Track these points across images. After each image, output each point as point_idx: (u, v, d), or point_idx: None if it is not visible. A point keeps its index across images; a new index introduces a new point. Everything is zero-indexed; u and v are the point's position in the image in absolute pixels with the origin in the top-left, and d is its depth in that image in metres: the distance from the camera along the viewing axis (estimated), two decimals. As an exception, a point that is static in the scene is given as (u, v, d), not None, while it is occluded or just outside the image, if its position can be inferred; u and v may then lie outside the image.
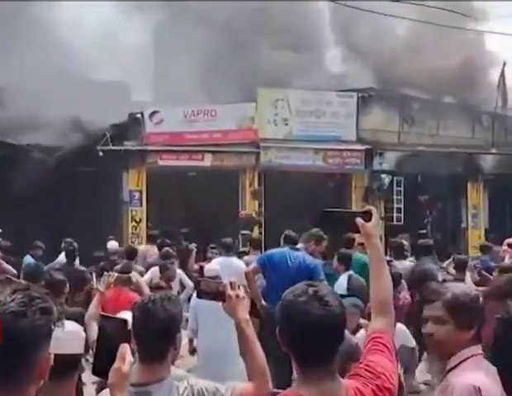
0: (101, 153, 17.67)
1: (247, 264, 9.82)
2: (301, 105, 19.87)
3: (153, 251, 12.55)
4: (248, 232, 16.96)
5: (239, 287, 3.08)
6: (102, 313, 2.82)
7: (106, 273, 6.34)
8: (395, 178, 20.14)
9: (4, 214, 14.91)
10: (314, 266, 7.99)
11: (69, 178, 16.96)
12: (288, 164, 19.20)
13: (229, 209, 19.08)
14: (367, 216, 2.82)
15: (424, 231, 18.70)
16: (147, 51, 26.59)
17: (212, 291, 3.09)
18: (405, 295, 8.47)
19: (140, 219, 18.48)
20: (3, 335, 1.87)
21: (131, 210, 18.50)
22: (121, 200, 18.64)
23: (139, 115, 18.97)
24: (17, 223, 14.94)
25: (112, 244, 13.66)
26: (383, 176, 20.02)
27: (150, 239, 14.12)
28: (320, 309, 2.35)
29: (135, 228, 18.39)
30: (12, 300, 1.93)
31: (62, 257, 11.31)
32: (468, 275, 9.93)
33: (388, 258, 10.06)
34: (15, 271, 10.58)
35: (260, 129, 19.38)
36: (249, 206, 19.20)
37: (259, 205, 19.19)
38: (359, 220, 2.80)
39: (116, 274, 6.54)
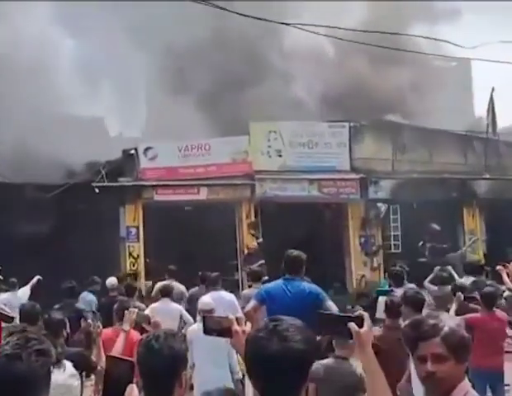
0: (97, 190, 17.68)
1: (247, 298, 9.75)
2: (294, 136, 19.97)
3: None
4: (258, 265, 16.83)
5: (245, 323, 3.09)
6: (109, 354, 2.80)
7: (127, 311, 6.12)
8: (391, 206, 20.21)
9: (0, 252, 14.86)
10: (316, 291, 7.86)
11: (66, 216, 16.94)
12: (283, 195, 19.24)
13: (227, 241, 19.06)
14: (359, 321, 2.77)
15: (424, 259, 18.76)
16: (139, 88, 26.69)
17: (219, 328, 3.09)
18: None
19: (138, 255, 18.42)
20: None
21: (129, 246, 18.44)
22: (118, 236, 18.59)
23: (133, 152, 19.01)
24: (14, 261, 14.83)
25: (111, 280, 13.60)
26: (379, 204, 20.10)
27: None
28: (278, 344, 2.31)
29: (133, 264, 18.32)
30: (7, 343, 1.92)
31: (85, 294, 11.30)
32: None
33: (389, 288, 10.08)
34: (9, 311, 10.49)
35: (254, 161, 19.45)
36: (247, 238, 19.20)
37: (256, 237, 19.18)
38: (353, 326, 2.74)
39: (136, 310, 6.30)
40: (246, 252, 18.89)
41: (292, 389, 2.34)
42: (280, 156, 19.74)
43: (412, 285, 11.27)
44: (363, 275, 19.91)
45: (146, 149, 18.93)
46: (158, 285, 12.23)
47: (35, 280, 13.22)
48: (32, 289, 12.73)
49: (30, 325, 6.78)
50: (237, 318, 3.09)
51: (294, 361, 2.31)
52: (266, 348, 2.31)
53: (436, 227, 20.09)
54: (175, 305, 10.80)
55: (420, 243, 20.26)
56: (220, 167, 19.21)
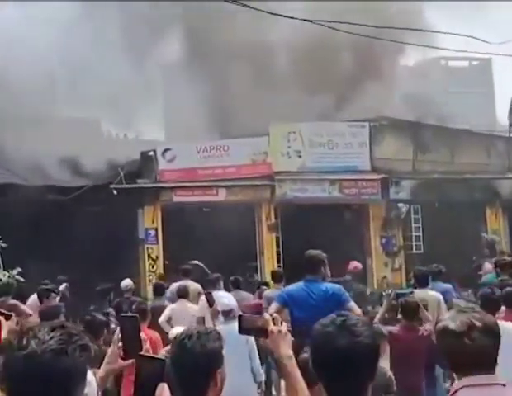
0: (115, 192, 17.61)
1: (269, 299, 9.62)
2: (314, 136, 19.80)
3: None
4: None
5: (281, 323, 3.04)
6: (140, 353, 2.74)
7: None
8: (412, 206, 19.99)
9: (20, 254, 14.87)
10: (339, 291, 7.70)
11: (84, 218, 16.87)
12: (304, 196, 19.07)
13: (247, 243, 18.93)
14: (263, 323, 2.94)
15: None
16: (158, 88, 26.71)
17: (254, 327, 3.06)
18: (428, 328, 7.83)
19: (157, 257, 18.32)
20: (44, 374, 1.82)
21: (147, 248, 18.35)
22: (137, 237, 18.50)
23: (151, 153, 18.95)
24: (34, 262, 14.82)
25: (126, 282, 13.55)
26: (400, 205, 19.90)
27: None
28: (348, 339, 2.32)
29: (152, 266, 18.21)
30: (51, 338, 1.87)
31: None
32: None
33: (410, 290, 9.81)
34: (30, 312, 10.44)
35: (274, 162, 19.29)
36: (266, 240, 19.04)
37: (277, 239, 19.03)
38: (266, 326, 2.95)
39: None
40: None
41: (361, 384, 2.37)
42: (300, 156, 19.57)
43: (448, 286, 10.98)
44: (385, 276, 19.69)
45: (164, 151, 18.84)
46: (174, 286, 12.07)
47: (64, 286, 13.28)
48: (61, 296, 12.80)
49: None
50: (273, 318, 3.04)
51: (363, 356, 2.33)
52: (335, 343, 2.33)
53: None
54: (192, 306, 10.64)
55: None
56: (239, 168, 19.08)
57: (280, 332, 2.98)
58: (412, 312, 7.34)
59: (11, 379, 1.87)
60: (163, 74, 26.76)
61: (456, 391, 2.67)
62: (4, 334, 2.54)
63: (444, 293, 10.07)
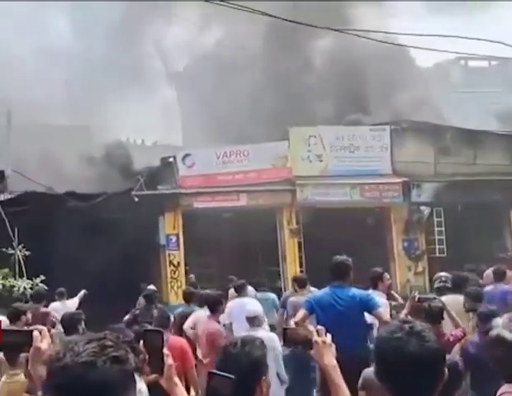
0: (136, 199, 17.60)
1: (295, 305, 9.54)
2: (335, 140, 19.69)
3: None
4: None
5: (325, 334, 3.09)
6: (210, 370, 2.75)
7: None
8: (434, 209, 19.80)
9: (43, 261, 14.92)
10: (367, 298, 7.61)
11: (105, 225, 16.88)
12: (325, 200, 18.94)
13: (268, 248, 18.84)
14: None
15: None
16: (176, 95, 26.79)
17: (299, 339, 3.13)
18: (455, 333, 7.62)
19: (178, 263, 18.28)
20: (76, 386, 1.86)
21: (169, 254, 18.32)
22: (158, 244, 18.48)
23: (171, 159, 18.95)
24: (56, 270, 14.86)
25: (150, 289, 13.52)
26: (422, 208, 19.71)
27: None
28: (417, 345, 2.35)
29: (174, 272, 18.18)
30: (85, 350, 1.90)
31: None
32: None
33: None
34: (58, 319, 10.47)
35: (294, 166, 19.20)
36: (288, 244, 18.94)
37: (299, 243, 18.93)
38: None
39: None
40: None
41: (429, 390, 2.38)
42: (321, 161, 19.47)
43: (509, 287, 10.64)
44: (408, 280, 19.50)
45: (184, 157, 18.82)
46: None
47: (82, 293, 13.48)
48: (81, 301, 12.99)
49: (71, 333, 6.74)
50: (317, 330, 3.11)
51: (432, 361, 2.36)
52: (404, 349, 2.34)
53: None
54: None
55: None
56: (259, 172, 19.01)
57: (324, 342, 3.04)
58: (436, 316, 7.19)
59: (51, 390, 1.92)
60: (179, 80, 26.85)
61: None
62: (45, 345, 2.53)
63: (506, 294, 9.88)
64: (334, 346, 3.08)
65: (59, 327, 8.34)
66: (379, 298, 8.28)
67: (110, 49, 22.35)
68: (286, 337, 3.20)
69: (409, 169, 19.97)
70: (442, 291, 9.38)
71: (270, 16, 12.62)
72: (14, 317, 8.28)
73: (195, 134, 22.39)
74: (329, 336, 3.11)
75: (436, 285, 10.08)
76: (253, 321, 8.12)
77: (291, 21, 13.88)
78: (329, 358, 3.02)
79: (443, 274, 11.10)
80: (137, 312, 10.57)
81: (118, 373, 1.91)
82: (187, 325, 9.88)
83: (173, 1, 21.83)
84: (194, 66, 23.01)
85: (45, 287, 13.60)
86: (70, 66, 19.60)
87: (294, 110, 20.38)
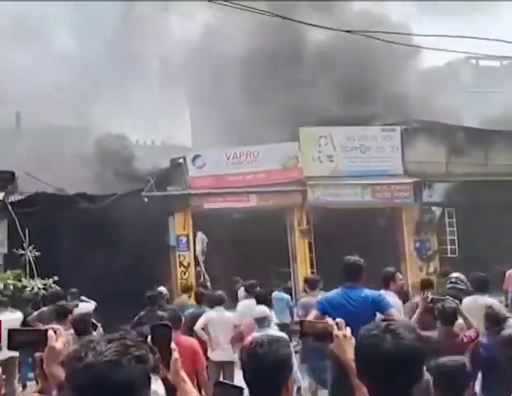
0: (146, 200, 17.58)
1: (305, 306, 9.47)
2: (345, 141, 19.61)
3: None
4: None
5: (345, 327, 3.03)
6: (219, 380, 2.72)
7: None
8: (446, 210, 19.68)
9: (53, 262, 14.93)
10: (379, 298, 7.52)
11: (115, 226, 16.86)
12: (336, 201, 18.85)
13: (279, 249, 18.76)
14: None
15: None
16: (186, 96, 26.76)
17: (318, 332, 3.06)
18: (468, 333, 7.48)
19: (189, 264, 18.24)
20: (100, 385, 1.86)
21: (179, 255, 18.29)
22: (168, 245, 18.44)
23: (181, 160, 18.91)
24: (66, 270, 14.86)
25: (161, 290, 13.47)
26: (434, 208, 19.63)
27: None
28: (392, 343, 2.31)
29: (184, 273, 18.14)
30: (108, 349, 1.92)
31: None
32: None
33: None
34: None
35: (305, 167, 19.14)
36: (299, 245, 18.86)
37: (309, 244, 18.85)
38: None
39: None
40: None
41: (405, 389, 2.32)
42: (331, 161, 19.41)
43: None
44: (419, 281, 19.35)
45: (194, 158, 18.79)
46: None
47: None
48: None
49: (83, 334, 6.69)
50: (337, 323, 3.04)
51: (408, 359, 2.31)
52: (379, 347, 2.31)
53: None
54: (228, 314, 10.49)
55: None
56: (269, 173, 18.95)
57: (345, 336, 2.99)
58: (450, 317, 7.10)
59: (72, 390, 1.92)
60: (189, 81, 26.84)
61: None
62: (60, 345, 2.55)
63: None
64: (353, 339, 2.97)
65: (101, 329, 8.27)
66: (391, 298, 8.19)
67: (109, 50, 22.41)
68: (303, 329, 3.14)
69: (420, 169, 19.89)
70: (454, 292, 9.28)
71: (277, 16, 12.54)
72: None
73: (204, 135, 22.33)
74: (348, 329, 3.03)
75: (447, 285, 10.00)
76: (261, 321, 8.06)
77: (299, 21, 13.81)
78: (350, 352, 2.91)
79: (454, 274, 11.05)
80: (142, 313, 10.51)
81: (141, 372, 1.93)
82: (198, 326, 9.84)
83: (177, 1, 21.80)
84: (203, 66, 22.95)
85: (58, 288, 13.56)
86: (70, 66, 19.53)
87: (304, 110, 20.27)
